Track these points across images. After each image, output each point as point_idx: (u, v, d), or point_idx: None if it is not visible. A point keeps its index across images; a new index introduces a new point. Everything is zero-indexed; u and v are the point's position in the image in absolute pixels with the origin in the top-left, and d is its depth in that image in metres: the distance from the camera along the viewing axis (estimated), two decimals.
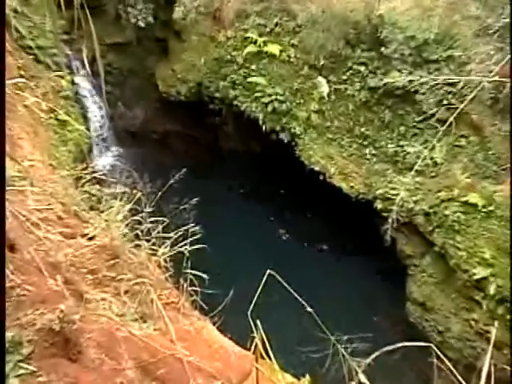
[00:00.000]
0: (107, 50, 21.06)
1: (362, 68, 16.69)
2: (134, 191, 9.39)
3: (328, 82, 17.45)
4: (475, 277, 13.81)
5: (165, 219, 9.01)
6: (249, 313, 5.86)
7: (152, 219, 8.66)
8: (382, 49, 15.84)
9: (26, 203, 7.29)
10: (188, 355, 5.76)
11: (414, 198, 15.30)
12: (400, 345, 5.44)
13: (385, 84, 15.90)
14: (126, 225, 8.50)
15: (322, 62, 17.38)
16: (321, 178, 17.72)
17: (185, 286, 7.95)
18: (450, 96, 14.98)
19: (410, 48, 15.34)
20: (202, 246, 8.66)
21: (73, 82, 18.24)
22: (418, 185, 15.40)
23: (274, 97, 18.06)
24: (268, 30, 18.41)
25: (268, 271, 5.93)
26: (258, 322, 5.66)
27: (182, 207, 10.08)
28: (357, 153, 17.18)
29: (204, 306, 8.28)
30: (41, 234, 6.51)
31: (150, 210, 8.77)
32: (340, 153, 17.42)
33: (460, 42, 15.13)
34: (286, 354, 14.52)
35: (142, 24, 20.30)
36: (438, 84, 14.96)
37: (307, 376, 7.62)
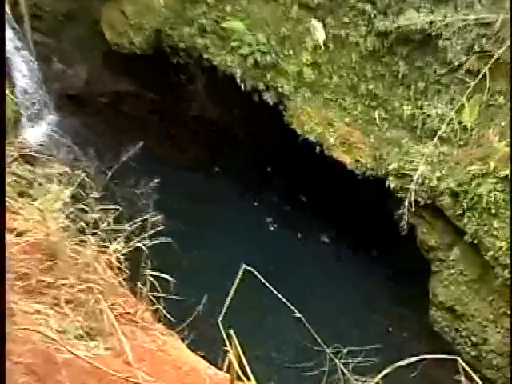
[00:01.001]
0: None
1: (369, 7, 16.54)
2: (77, 172, 9.33)
3: (324, 26, 17.33)
4: None
5: (117, 207, 8.98)
6: (219, 320, 5.85)
7: (100, 207, 8.63)
8: None
9: None
10: (149, 381, 5.76)
11: (438, 174, 15.30)
12: (417, 358, 5.48)
13: (398, 27, 15.82)
14: (67, 215, 8.46)
15: (316, 1, 17.26)
16: (317, 150, 17.67)
17: (144, 291, 7.95)
18: (483, 41, 14.96)
19: None
20: (166, 240, 8.66)
21: None
22: (442, 156, 15.38)
23: (255, 47, 17.91)
24: None
25: (243, 267, 5.89)
26: (233, 332, 5.66)
27: (138, 191, 10.05)
28: (363, 117, 17.10)
29: (170, 317, 8.29)
30: None
31: (97, 195, 8.73)
32: (341, 117, 17.36)
33: None
34: (271, 372, 14.66)
35: None
36: (467, 25, 14.92)
37: None
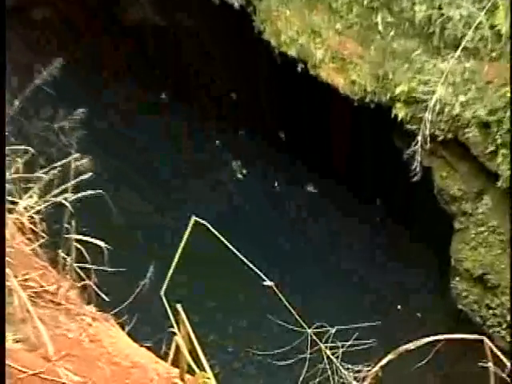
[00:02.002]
0: None
1: None
2: None
3: None
4: None
5: (28, 148, 8.86)
6: (162, 293, 5.80)
7: (6, 148, 8.49)
8: None
9: None
10: (77, 382, 5.72)
11: (462, 98, 15.29)
12: (429, 339, 5.50)
13: None
14: None
15: None
16: (299, 69, 17.62)
17: (69, 262, 7.89)
18: None
19: None
20: (96, 192, 8.58)
21: None
22: (468, 74, 15.39)
23: None
24: None
25: (193, 219, 5.83)
26: (182, 308, 5.61)
27: (57, 126, 9.90)
28: (361, 21, 17.05)
29: (104, 296, 8.23)
30: None
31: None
32: (331, 23, 17.28)
33: None
34: (234, 360, 14.74)
35: None
36: None
37: None
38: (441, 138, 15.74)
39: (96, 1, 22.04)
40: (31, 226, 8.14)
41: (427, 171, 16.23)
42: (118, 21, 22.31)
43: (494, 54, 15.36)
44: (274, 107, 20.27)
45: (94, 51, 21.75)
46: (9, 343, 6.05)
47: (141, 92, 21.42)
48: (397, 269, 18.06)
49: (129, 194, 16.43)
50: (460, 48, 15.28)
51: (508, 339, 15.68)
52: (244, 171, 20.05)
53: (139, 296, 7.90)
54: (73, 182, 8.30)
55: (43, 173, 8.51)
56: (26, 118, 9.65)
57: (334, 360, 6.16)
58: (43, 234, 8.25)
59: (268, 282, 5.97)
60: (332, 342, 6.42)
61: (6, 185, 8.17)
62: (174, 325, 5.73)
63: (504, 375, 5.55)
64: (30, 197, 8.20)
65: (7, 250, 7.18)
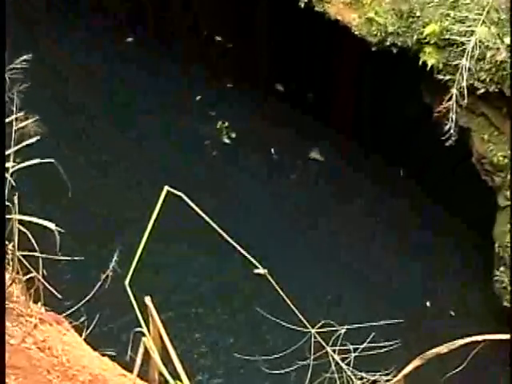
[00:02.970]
0: None
1: None
2: None
3: None
4: None
5: None
6: (126, 283, 5.74)
7: None
8: None
9: None
10: None
11: (509, 40, 15.28)
12: (462, 341, 5.54)
13: None
14: None
15: None
16: (301, 4, 17.59)
17: (10, 250, 7.88)
18: None
19: None
20: (44, 160, 8.57)
21: None
22: None
23: None
24: None
25: (165, 188, 5.76)
26: (151, 301, 5.60)
27: None
28: None
29: (56, 292, 8.23)
30: None
31: None
32: None
33: None
34: (218, 364, 14.84)
35: None
36: None
37: None
38: (481, 91, 15.70)
39: None
40: None
41: (463, 133, 16.23)
42: None
43: None
44: (270, 53, 20.28)
45: None
46: None
47: (99, 31, 21.43)
48: (426, 254, 18.07)
49: (86, 163, 16.34)
50: None
51: None
52: (232, 134, 20.04)
53: (100, 291, 7.86)
54: (15, 148, 8.28)
55: None
56: None
57: (344, 367, 6.16)
58: None
59: (260, 270, 5.93)
60: (342, 345, 6.43)
61: None
62: (142, 323, 5.66)
63: None
64: None
65: None
